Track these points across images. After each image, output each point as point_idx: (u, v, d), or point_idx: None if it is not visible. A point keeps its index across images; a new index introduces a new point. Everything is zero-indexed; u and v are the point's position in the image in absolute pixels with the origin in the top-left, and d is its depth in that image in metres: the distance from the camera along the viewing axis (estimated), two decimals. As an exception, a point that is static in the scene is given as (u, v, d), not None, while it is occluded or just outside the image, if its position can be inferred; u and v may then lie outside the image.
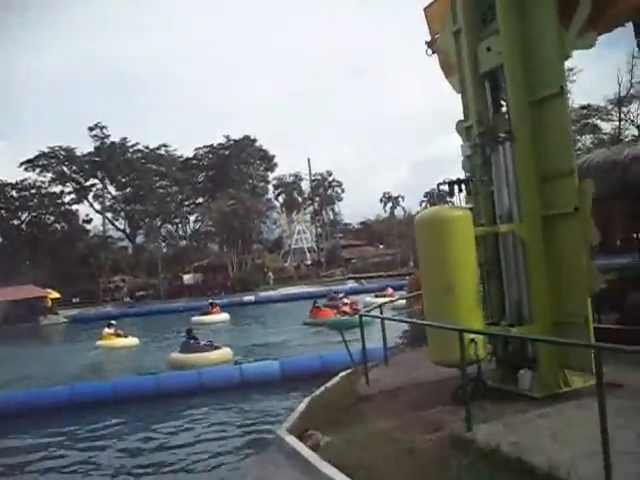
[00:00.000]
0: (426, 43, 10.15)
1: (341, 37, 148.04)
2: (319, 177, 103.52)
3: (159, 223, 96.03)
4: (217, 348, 25.53)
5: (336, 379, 11.84)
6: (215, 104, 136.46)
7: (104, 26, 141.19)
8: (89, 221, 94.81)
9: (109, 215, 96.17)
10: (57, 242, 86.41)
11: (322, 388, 11.34)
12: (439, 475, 6.20)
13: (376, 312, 12.97)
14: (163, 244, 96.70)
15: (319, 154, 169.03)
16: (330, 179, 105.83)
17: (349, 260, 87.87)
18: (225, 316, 46.24)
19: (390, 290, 43.55)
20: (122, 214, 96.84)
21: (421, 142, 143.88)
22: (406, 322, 13.77)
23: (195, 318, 44.44)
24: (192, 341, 25.76)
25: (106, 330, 36.20)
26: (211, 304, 47.44)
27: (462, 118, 9.56)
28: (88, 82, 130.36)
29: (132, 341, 35.89)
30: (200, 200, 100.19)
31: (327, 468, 6.90)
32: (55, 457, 15.33)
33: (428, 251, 8.40)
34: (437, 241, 8.15)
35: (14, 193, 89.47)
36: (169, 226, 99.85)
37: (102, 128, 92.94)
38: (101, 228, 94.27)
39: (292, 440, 8.29)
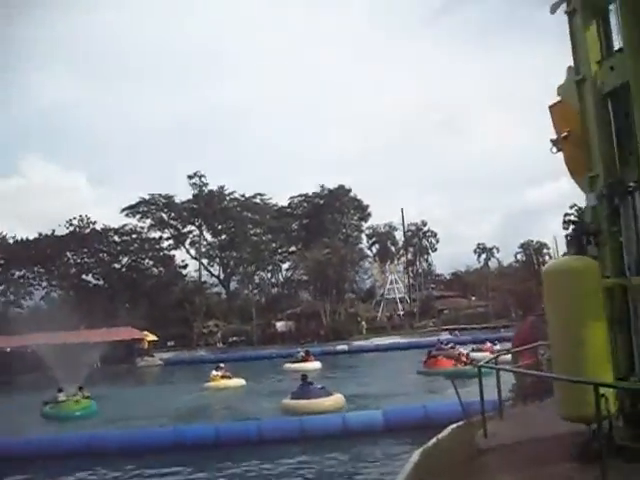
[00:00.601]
0: (551, 141, 10.07)
1: (433, 87, 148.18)
2: (413, 227, 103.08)
3: (253, 270, 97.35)
4: (330, 394, 25.27)
5: (448, 430, 11.57)
6: (309, 153, 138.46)
7: (204, 77, 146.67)
8: (185, 266, 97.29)
9: (204, 261, 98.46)
10: (154, 286, 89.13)
11: (434, 439, 11.09)
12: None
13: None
14: (255, 291, 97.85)
15: (411, 203, 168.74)
16: (425, 229, 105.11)
17: (441, 311, 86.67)
18: (317, 364, 45.83)
19: (489, 344, 42.40)
20: (217, 260, 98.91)
21: (511, 193, 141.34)
22: (534, 375, 13.19)
23: (287, 365, 44.76)
24: (311, 386, 25.51)
25: (214, 372, 37.60)
26: (307, 352, 47.54)
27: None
28: (186, 130, 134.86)
29: (239, 382, 36.90)
30: (293, 248, 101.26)
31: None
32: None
33: (557, 302, 8.14)
34: (567, 292, 7.90)
35: (116, 238, 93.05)
36: (262, 273, 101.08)
37: (201, 177, 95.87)
38: (196, 274, 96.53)
39: (412, 492, 8.14)
